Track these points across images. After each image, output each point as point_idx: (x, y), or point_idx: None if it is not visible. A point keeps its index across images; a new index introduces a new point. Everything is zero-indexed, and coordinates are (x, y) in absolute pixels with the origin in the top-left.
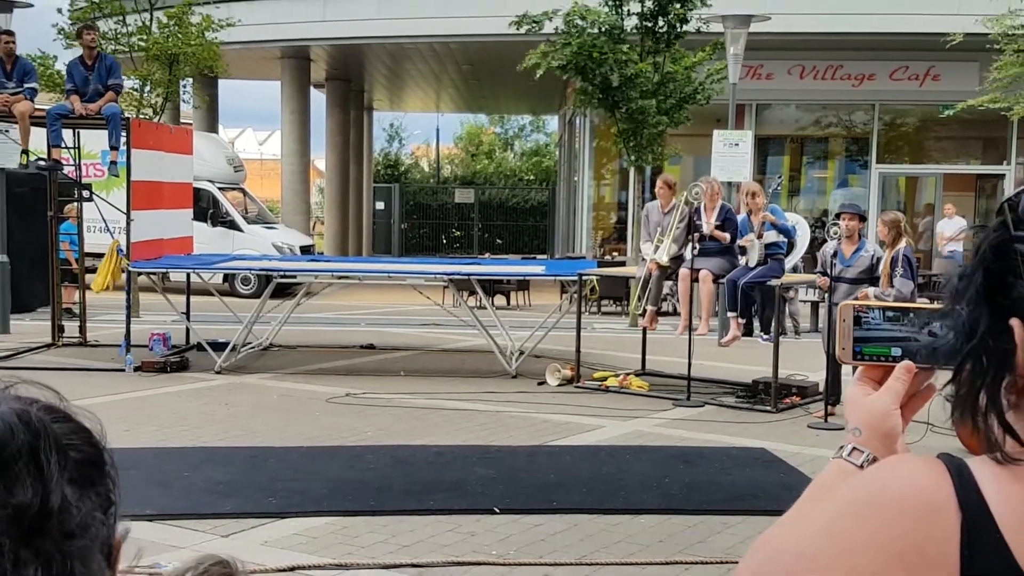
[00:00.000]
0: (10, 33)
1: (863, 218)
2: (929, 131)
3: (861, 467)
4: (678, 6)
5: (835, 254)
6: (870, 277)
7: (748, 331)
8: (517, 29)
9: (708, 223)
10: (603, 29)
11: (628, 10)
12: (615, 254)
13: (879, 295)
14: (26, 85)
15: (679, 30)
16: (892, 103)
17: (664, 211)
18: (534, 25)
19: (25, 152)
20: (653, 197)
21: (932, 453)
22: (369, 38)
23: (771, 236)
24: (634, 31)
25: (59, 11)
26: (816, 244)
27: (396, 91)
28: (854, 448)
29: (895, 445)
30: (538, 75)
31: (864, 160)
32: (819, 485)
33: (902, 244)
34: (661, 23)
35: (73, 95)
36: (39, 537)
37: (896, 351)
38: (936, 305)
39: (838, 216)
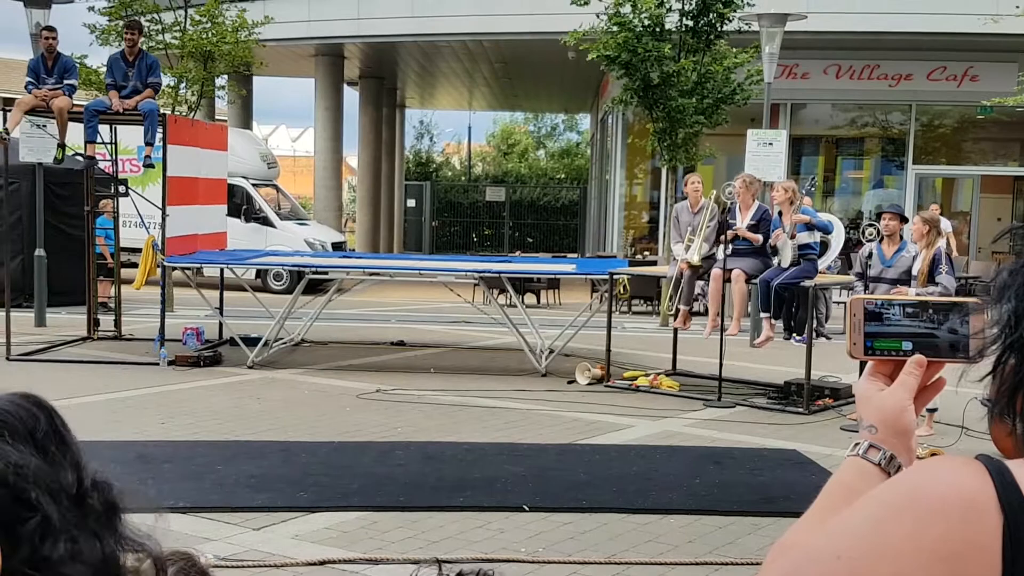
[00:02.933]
0: (51, 29)
1: (904, 219)
2: (967, 132)
3: (879, 465)
4: (721, 5)
5: (870, 255)
6: (910, 277)
7: (790, 329)
8: None
9: (741, 223)
10: (646, 24)
11: (670, 6)
12: (646, 253)
13: (921, 294)
14: (66, 82)
15: (720, 29)
16: (929, 103)
17: (694, 211)
18: None
19: (61, 146)
20: (685, 197)
21: (967, 456)
22: (402, 36)
23: (804, 237)
24: (674, 29)
25: (90, 9)
26: (850, 245)
27: (429, 89)
28: (871, 445)
29: (911, 441)
30: (589, 58)
31: (900, 161)
32: (837, 483)
33: (940, 243)
34: (702, 22)
35: (112, 91)
36: (83, 515)
37: (907, 345)
38: (958, 299)
39: (879, 216)
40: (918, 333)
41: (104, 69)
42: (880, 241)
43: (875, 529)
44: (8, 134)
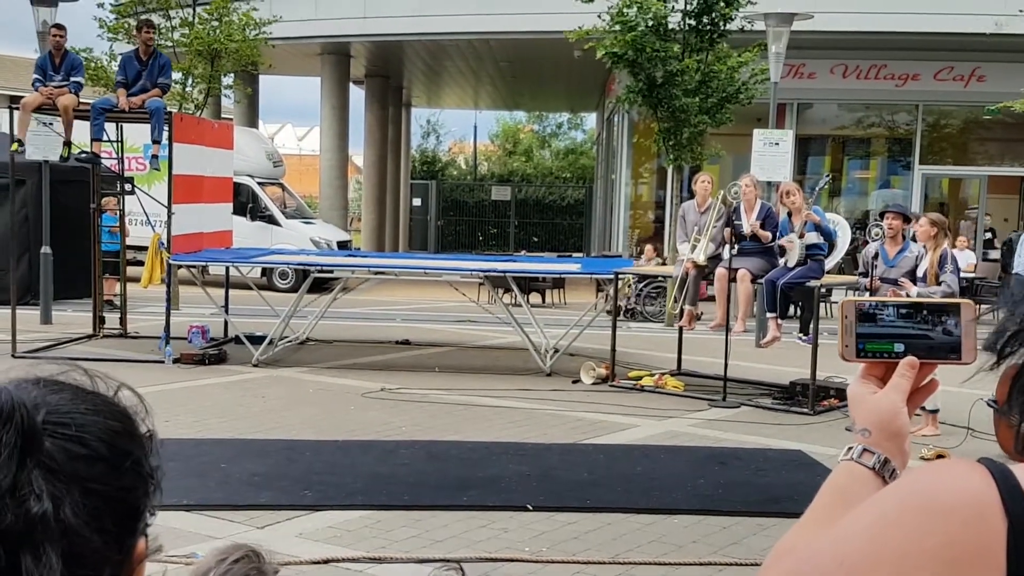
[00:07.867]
0: (60, 27)
1: (907, 218)
2: (973, 133)
3: (873, 469)
4: (723, 4)
5: (876, 255)
6: (914, 277)
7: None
8: None
9: (749, 222)
10: (650, 24)
11: (673, 6)
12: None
13: (923, 293)
14: (72, 79)
15: (723, 28)
16: (936, 104)
17: (700, 210)
18: None
19: (68, 144)
20: (691, 196)
21: (971, 458)
22: (409, 35)
23: (812, 236)
24: (677, 28)
25: (100, 5)
26: (856, 245)
27: (434, 88)
28: (864, 450)
29: (904, 444)
30: (597, 57)
31: (907, 161)
32: (830, 487)
33: (945, 244)
34: (705, 21)
35: (120, 88)
36: None
37: (899, 347)
38: (951, 300)
39: (882, 216)
40: (911, 334)
41: (109, 60)
42: (883, 242)
43: (878, 534)
44: (23, 144)
